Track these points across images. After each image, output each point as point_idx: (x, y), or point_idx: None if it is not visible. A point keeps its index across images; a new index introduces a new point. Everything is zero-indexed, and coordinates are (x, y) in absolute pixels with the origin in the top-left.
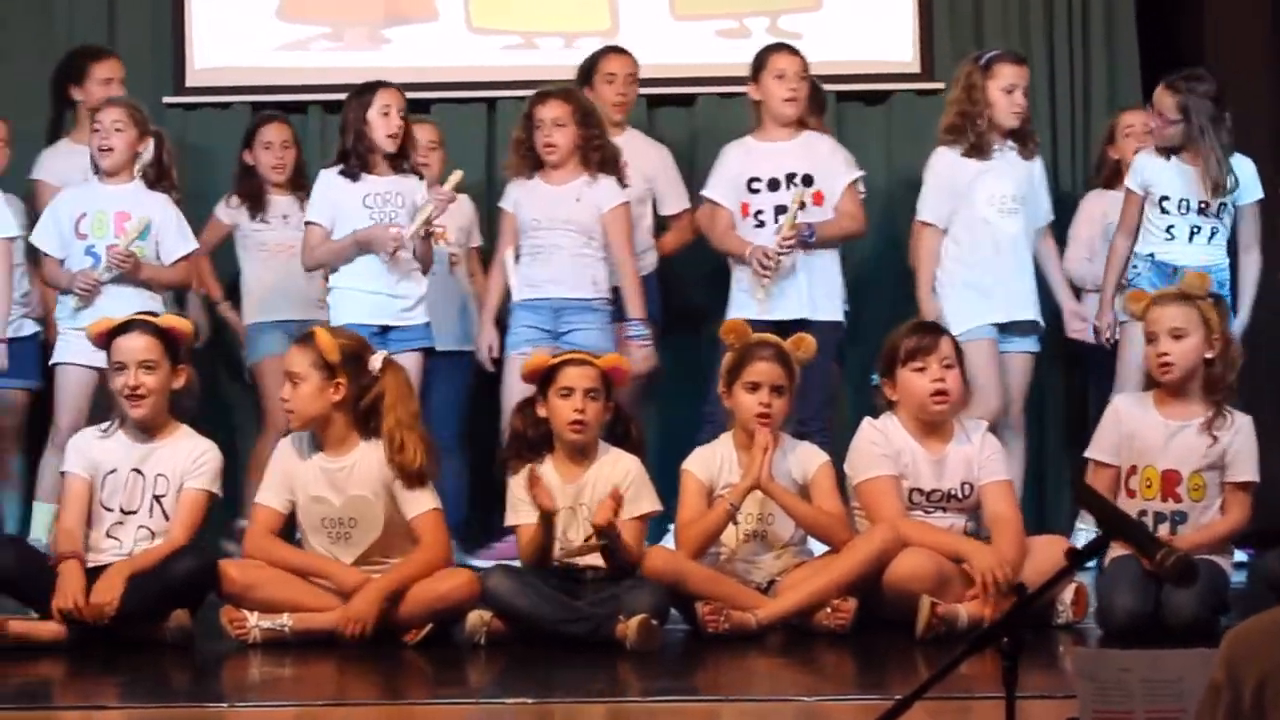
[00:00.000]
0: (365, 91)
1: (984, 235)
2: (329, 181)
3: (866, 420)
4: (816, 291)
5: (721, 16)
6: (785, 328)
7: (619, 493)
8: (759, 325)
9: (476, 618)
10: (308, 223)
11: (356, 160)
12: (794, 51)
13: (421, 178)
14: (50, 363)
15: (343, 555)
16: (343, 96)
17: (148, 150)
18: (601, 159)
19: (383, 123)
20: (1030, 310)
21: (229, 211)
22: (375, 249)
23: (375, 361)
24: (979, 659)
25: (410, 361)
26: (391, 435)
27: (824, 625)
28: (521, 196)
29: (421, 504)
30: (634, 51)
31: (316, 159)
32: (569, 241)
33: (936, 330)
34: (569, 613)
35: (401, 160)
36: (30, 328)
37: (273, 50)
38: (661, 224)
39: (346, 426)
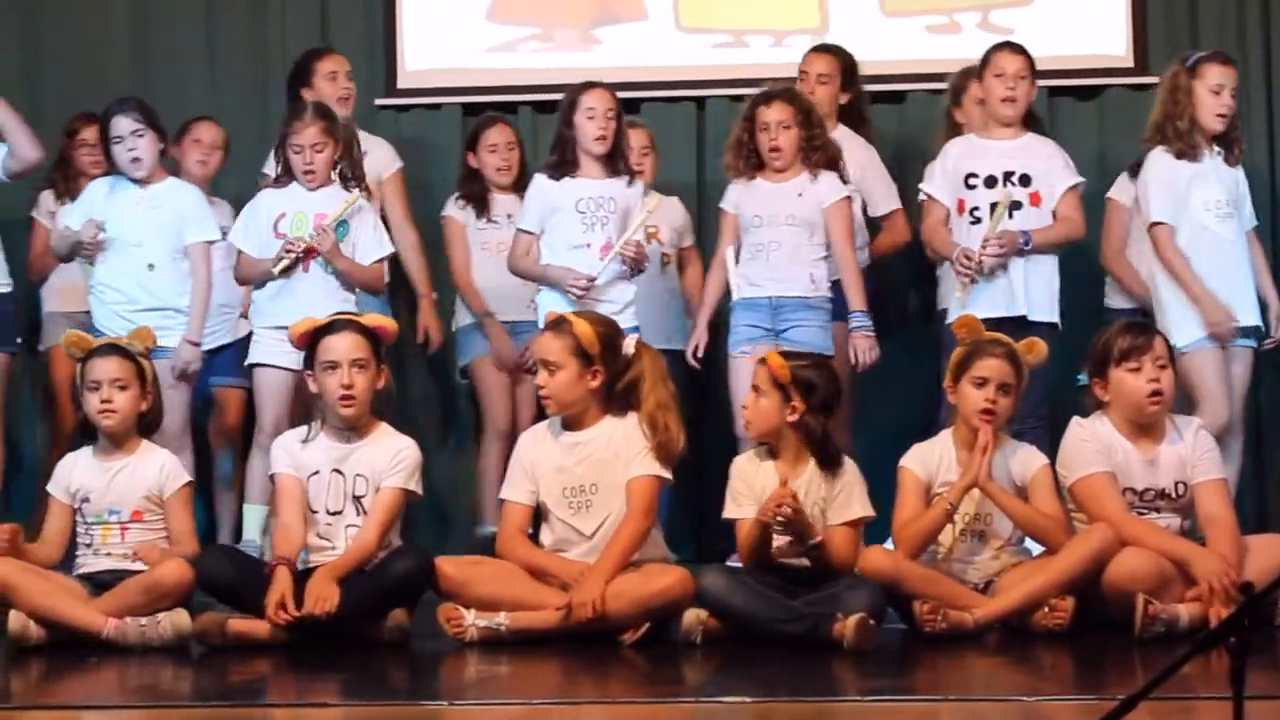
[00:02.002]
0: (574, 93)
1: (1204, 240)
2: (541, 186)
3: (1075, 420)
4: (1034, 293)
5: (932, 12)
6: (997, 326)
7: (789, 493)
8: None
9: (693, 616)
10: (519, 230)
11: (565, 163)
12: (1018, 50)
13: (632, 180)
14: (246, 363)
15: (583, 525)
16: (553, 97)
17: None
18: (823, 158)
19: (589, 125)
20: (1252, 315)
21: (458, 211)
22: (563, 288)
23: (629, 346)
24: (1200, 659)
25: None
26: (653, 418)
27: (1042, 625)
28: (743, 196)
29: (643, 467)
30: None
31: (529, 160)
32: (789, 238)
33: (1149, 329)
34: (785, 612)
35: (615, 163)
36: (246, 328)
37: (483, 52)
38: (872, 225)
39: (597, 409)
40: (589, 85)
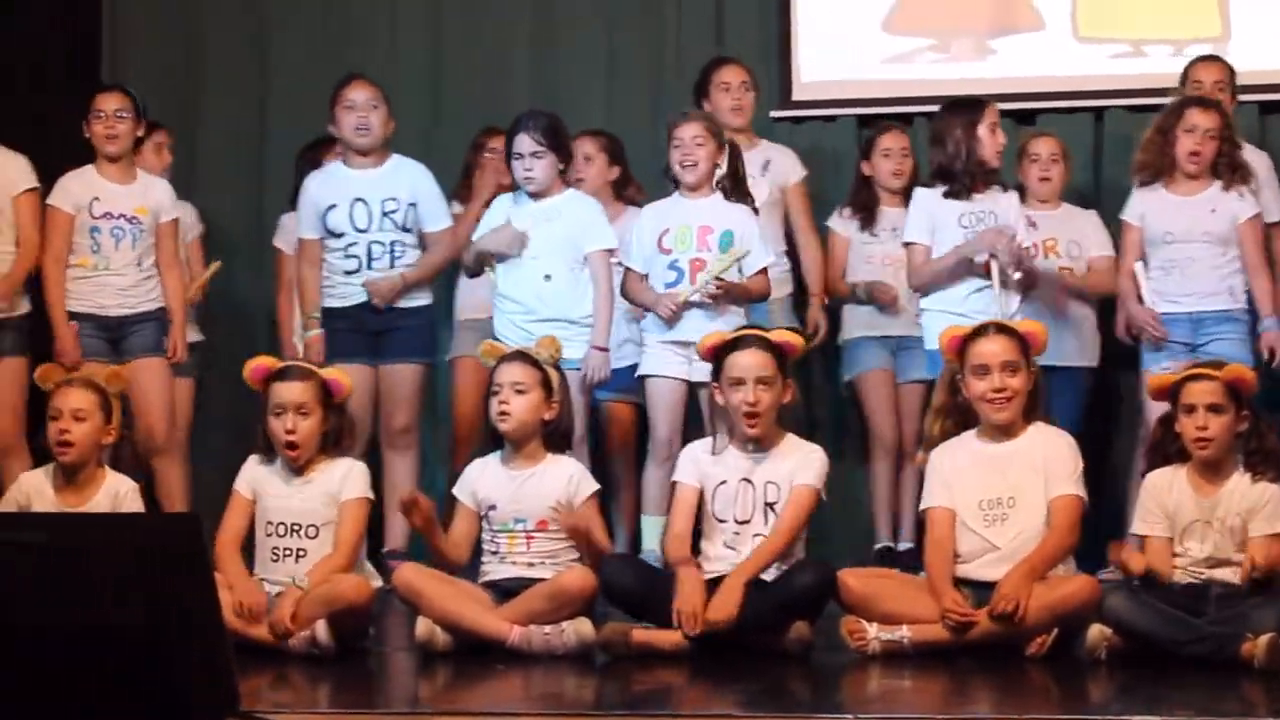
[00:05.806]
0: (972, 108)
1: None
2: (928, 201)
3: None
4: None
5: None
6: None
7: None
8: None
9: (1097, 633)
10: (907, 242)
11: (962, 179)
12: None
13: (1006, 189)
14: (637, 375)
15: (996, 538)
16: None
17: (724, 162)
18: (1232, 171)
19: (991, 140)
20: None
21: (841, 222)
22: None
23: None
24: None
25: None
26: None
27: None
28: (1148, 209)
29: (1070, 486)
30: (1245, 57)
31: (924, 171)
32: (1206, 254)
33: None
34: (1190, 632)
35: (994, 175)
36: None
37: (878, 63)
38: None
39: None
40: (987, 100)
